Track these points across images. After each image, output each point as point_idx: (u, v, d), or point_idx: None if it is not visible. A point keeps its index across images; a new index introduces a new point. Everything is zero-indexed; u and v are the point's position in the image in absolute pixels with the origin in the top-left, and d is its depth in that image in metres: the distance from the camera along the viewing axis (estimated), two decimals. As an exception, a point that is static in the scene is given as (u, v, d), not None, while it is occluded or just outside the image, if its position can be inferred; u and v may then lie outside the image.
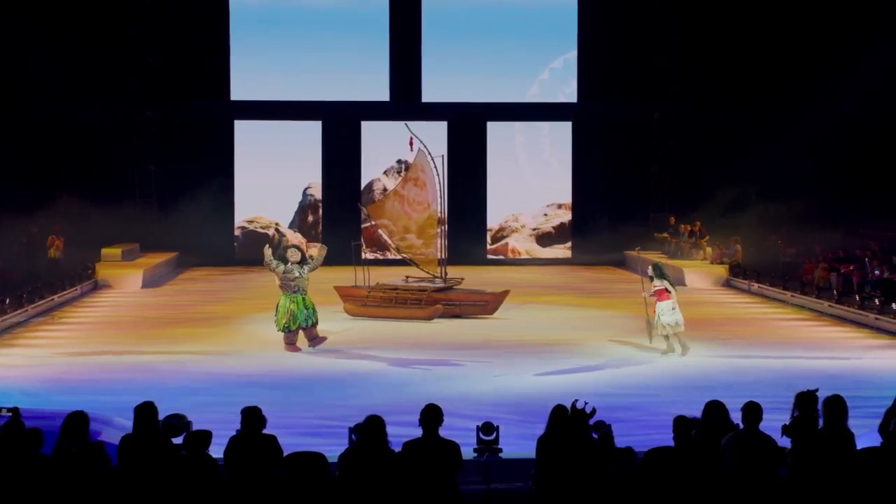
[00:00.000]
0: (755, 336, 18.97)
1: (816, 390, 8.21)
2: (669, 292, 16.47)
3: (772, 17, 29.77)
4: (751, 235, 28.16)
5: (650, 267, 16.91)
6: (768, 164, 30.39)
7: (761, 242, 28.34)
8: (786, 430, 8.05)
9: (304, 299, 16.96)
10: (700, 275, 26.82)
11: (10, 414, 8.50)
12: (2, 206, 25.40)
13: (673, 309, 16.41)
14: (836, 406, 7.79)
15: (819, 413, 7.97)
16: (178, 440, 7.97)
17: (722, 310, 22.52)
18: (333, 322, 20.02)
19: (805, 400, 8.16)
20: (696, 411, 8.06)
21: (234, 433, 8.00)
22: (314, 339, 17.19)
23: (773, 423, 8.00)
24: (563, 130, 32.19)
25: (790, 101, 29.30)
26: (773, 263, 26.74)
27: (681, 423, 7.83)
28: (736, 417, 7.97)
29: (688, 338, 16.90)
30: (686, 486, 7.45)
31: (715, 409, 7.96)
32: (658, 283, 16.59)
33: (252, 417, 7.93)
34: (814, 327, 20.20)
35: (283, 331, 16.99)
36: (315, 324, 17.14)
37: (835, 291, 22.25)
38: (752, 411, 7.73)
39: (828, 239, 25.88)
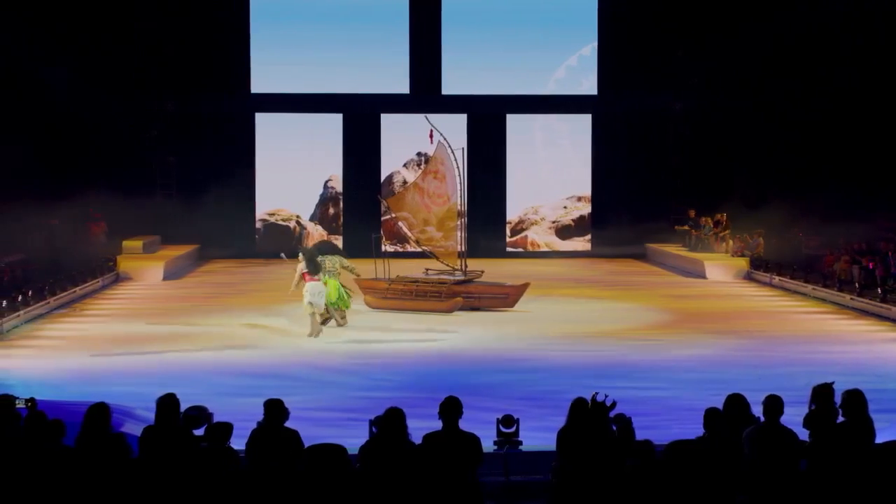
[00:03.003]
0: (776, 329, 18.90)
1: (832, 383, 8.19)
2: (313, 274, 17.43)
3: (789, 7, 29.59)
4: (772, 228, 28.04)
5: (300, 251, 18.01)
6: (790, 156, 30.24)
7: (783, 235, 28.22)
8: (806, 422, 8.03)
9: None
10: (721, 267, 26.72)
11: (29, 405, 8.58)
12: (22, 198, 25.53)
13: (307, 290, 17.33)
14: (856, 399, 7.76)
15: (836, 405, 7.95)
16: (199, 432, 8.01)
17: (743, 303, 22.43)
18: (354, 314, 20.06)
19: (821, 393, 8.14)
20: (716, 404, 8.03)
21: (255, 425, 8.03)
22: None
23: (795, 416, 7.98)
24: (583, 122, 32.11)
25: (811, 92, 29.14)
26: (794, 256, 26.61)
27: (713, 415, 7.79)
28: (757, 411, 7.95)
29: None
30: (707, 479, 7.44)
31: (736, 403, 7.94)
32: (302, 266, 17.60)
33: (275, 409, 7.95)
34: (835, 320, 20.10)
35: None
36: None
37: (856, 284, 22.13)
38: (774, 404, 7.71)
39: (850, 231, 25.74)
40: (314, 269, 17.63)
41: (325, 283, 17.90)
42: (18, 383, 13.40)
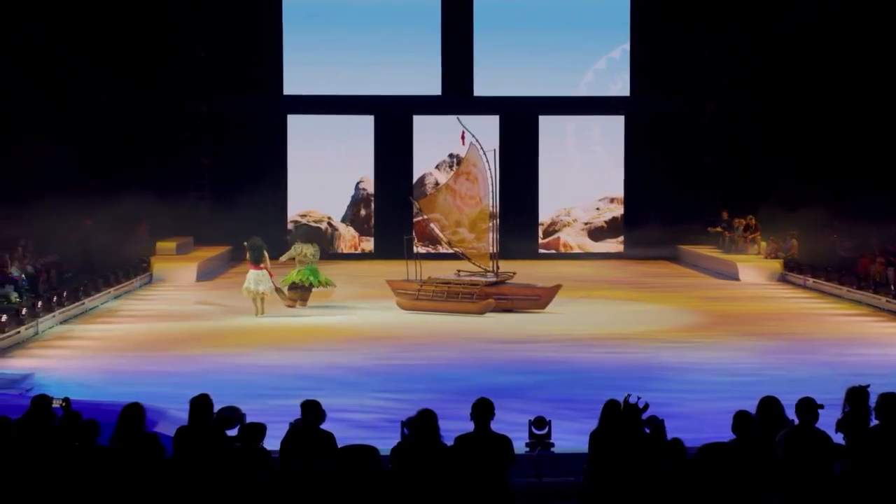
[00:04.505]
0: (810, 331, 18.77)
1: (868, 386, 8.11)
2: (255, 263, 19.74)
3: (824, 8, 29.39)
4: (806, 229, 27.82)
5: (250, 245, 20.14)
6: (823, 157, 30.01)
7: (817, 237, 27.98)
8: (839, 425, 7.96)
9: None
10: (755, 269, 26.55)
11: (63, 405, 8.65)
12: (56, 199, 25.73)
13: (248, 278, 19.80)
14: (892, 402, 7.69)
15: (871, 409, 7.89)
16: (232, 432, 8.04)
17: (777, 305, 22.29)
18: (385, 316, 20.13)
19: (856, 395, 8.07)
20: (750, 407, 7.99)
21: (287, 426, 8.05)
22: (304, 302, 20.73)
23: (829, 419, 7.92)
24: (615, 124, 32.03)
25: (844, 93, 28.93)
26: (829, 258, 26.40)
27: (742, 418, 7.75)
28: (791, 413, 7.89)
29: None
30: (740, 482, 7.40)
31: (770, 405, 7.89)
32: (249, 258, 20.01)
33: (311, 410, 7.96)
34: (870, 323, 19.92)
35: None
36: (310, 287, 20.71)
37: (892, 286, 21.92)
38: (808, 407, 7.65)
39: (884, 233, 25.50)
40: (254, 258, 19.73)
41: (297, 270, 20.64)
42: (54, 383, 13.51)
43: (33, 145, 26.19)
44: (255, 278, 19.75)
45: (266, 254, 19.94)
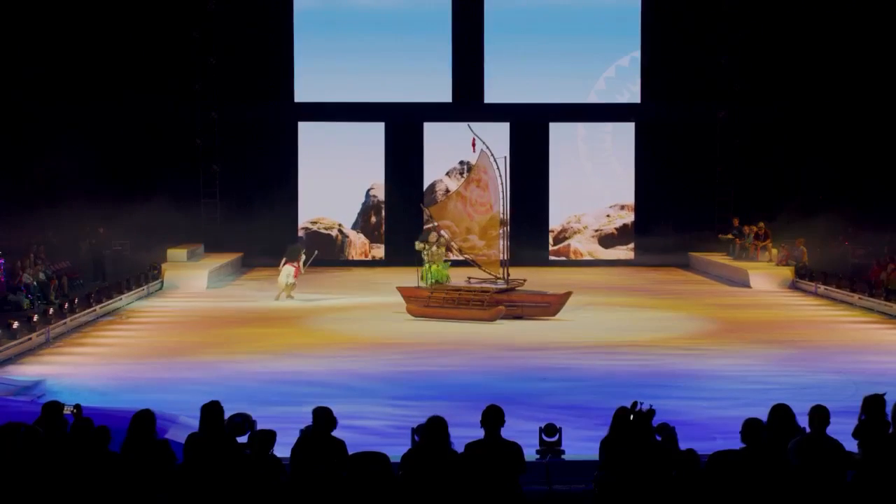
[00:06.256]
0: (822, 339, 18.71)
1: (884, 394, 8.08)
2: (290, 260, 23.37)
3: (838, 15, 29.36)
4: (818, 237, 27.75)
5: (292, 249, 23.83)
6: (835, 164, 29.96)
7: (829, 244, 27.91)
8: (856, 434, 7.93)
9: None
10: (766, 277, 26.49)
11: (74, 411, 8.67)
12: (68, 206, 25.81)
13: (282, 272, 23.32)
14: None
15: (888, 417, 7.86)
16: (242, 439, 8.04)
17: (788, 312, 22.23)
18: (396, 322, 20.12)
19: (872, 404, 8.04)
20: (761, 414, 7.97)
21: (298, 433, 8.05)
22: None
23: (841, 427, 7.90)
24: (625, 131, 32.02)
25: (854, 99, 28.89)
26: (840, 265, 26.33)
27: (752, 426, 7.73)
28: (803, 421, 7.87)
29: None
30: (752, 490, 7.38)
31: (781, 413, 7.87)
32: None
33: (323, 417, 7.95)
34: (882, 330, 19.86)
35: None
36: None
37: (904, 294, 21.86)
38: (820, 415, 7.63)
39: (896, 240, 25.47)
40: (290, 256, 23.24)
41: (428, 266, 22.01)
42: (65, 390, 13.55)
43: (45, 153, 26.33)
44: (284, 272, 23.33)
45: (301, 256, 23.52)
